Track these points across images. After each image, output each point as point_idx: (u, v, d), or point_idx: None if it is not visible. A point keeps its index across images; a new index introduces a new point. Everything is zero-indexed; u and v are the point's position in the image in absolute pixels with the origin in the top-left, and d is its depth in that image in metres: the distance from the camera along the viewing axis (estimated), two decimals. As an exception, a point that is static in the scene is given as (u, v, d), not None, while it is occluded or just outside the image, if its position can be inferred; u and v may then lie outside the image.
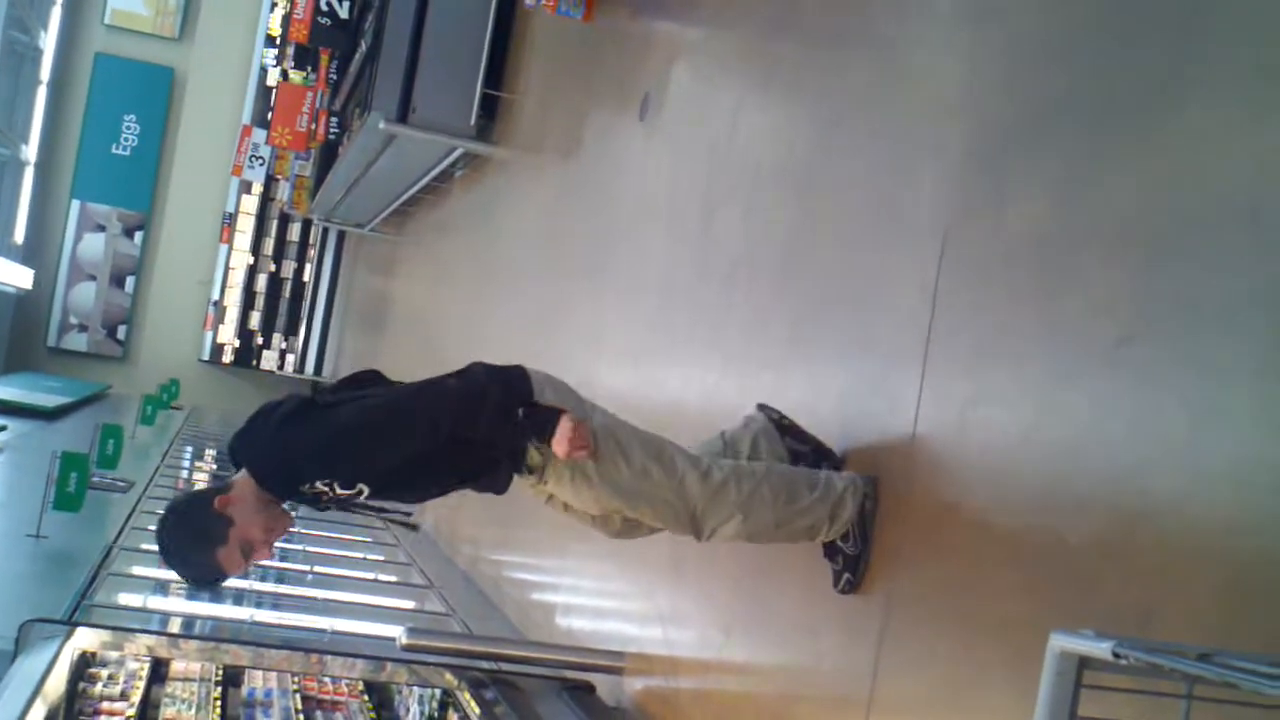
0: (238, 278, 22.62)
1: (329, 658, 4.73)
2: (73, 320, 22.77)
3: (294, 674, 5.35)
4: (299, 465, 2.55)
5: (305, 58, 17.61)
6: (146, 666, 5.33)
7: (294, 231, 22.42)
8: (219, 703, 5.54)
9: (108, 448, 8.67)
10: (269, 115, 18.52)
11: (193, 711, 5.24)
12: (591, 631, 4.90)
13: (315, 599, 6.17)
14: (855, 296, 3.23)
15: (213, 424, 16.90)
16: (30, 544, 6.11)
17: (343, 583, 6.77)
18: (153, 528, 2.85)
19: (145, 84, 22.98)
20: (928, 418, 2.77)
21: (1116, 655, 1.39)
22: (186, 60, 23.18)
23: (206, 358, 22.70)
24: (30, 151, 21.73)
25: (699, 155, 4.54)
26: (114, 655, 4.99)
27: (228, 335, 22.64)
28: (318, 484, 2.55)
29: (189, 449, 13.27)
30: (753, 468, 2.86)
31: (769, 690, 3.40)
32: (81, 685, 4.88)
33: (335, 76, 14.69)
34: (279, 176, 20.63)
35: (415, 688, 5.05)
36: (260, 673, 5.62)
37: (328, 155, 14.64)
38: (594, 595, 5.08)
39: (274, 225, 22.55)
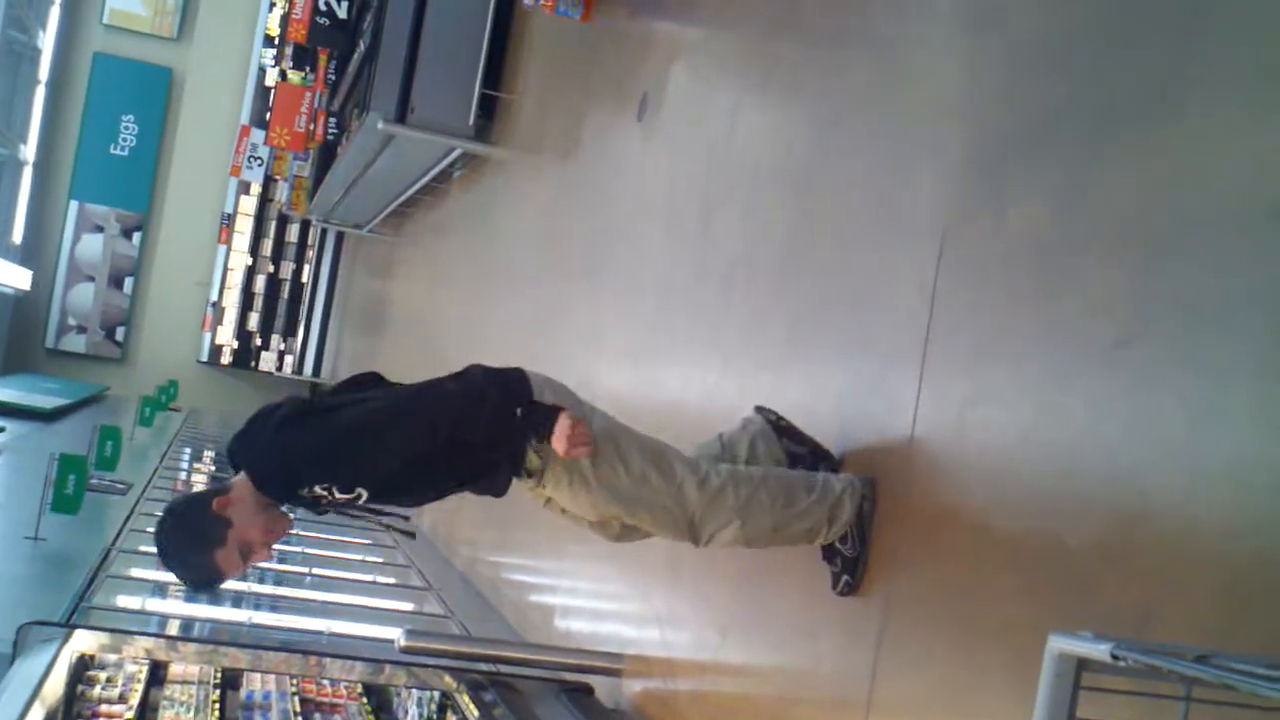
0: (236, 279, 22.63)
1: (327, 660, 4.73)
2: (71, 321, 22.77)
3: (292, 676, 5.34)
4: (297, 468, 2.55)
5: (304, 58, 17.61)
6: (145, 669, 5.33)
7: (292, 232, 22.42)
8: (217, 705, 5.54)
9: (106, 449, 8.68)
10: (267, 115, 18.52)
11: (191, 714, 5.23)
12: (590, 633, 4.90)
13: (314, 601, 6.17)
14: (854, 297, 3.22)
15: (211, 425, 16.90)
16: (28, 546, 6.11)
17: (341, 585, 6.77)
18: (151, 530, 2.85)
19: (144, 84, 22.98)
20: (926, 418, 2.77)
21: (1115, 657, 1.39)
22: (185, 60, 23.18)
23: (205, 359, 22.71)
24: (28, 152, 21.72)
25: (697, 155, 4.53)
26: (112, 658, 4.98)
27: (226, 336, 22.65)
28: (316, 488, 2.55)
29: (187, 451, 13.27)
30: (749, 472, 2.85)
31: (767, 692, 3.39)
32: (80, 688, 4.87)
33: (334, 77, 14.69)
34: (277, 177, 20.62)
35: (414, 690, 5.04)
36: (259, 675, 5.61)
37: (326, 156, 14.64)
38: (592, 597, 5.07)
39: (272, 226, 22.56)
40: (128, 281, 23.08)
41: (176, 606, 5.63)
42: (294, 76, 18.14)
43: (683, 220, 4.56)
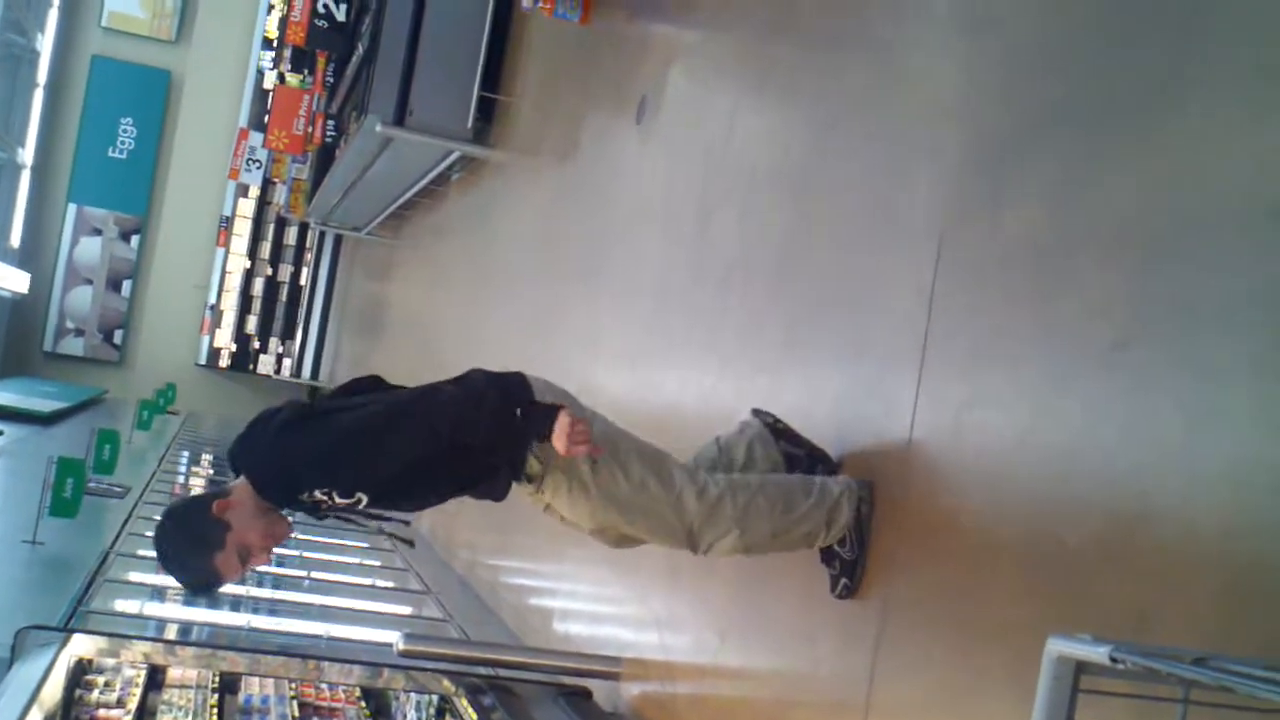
0: (234, 281, 22.65)
1: (326, 664, 4.73)
2: (69, 325, 22.78)
3: (291, 680, 5.33)
4: (297, 472, 2.54)
5: (302, 61, 17.63)
6: (143, 673, 5.32)
7: (290, 235, 22.44)
8: (216, 709, 5.52)
9: (104, 453, 8.68)
10: (266, 118, 18.53)
11: (189, 718, 5.22)
12: (588, 637, 4.90)
13: (312, 605, 6.17)
14: (851, 299, 3.22)
15: (209, 429, 16.90)
16: (26, 550, 6.10)
17: (339, 588, 6.77)
18: (149, 534, 2.85)
19: (142, 87, 23.00)
20: (924, 421, 2.77)
21: (1113, 660, 1.39)
22: (183, 63, 23.20)
23: (203, 362, 22.72)
24: (27, 155, 21.73)
25: (695, 158, 4.53)
26: (110, 662, 4.97)
27: (224, 339, 22.67)
28: (316, 492, 2.54)
29: (185, 454, 13.28)
30: (746, 480, 2.85)
31: (765, 695, 3.39)
32: (78, 692, 4.86)
33: (332, 79, 14.71)
34: (276, 180, 20.64)
35: (412, 694, 5.03)
36: (257, 679, 5.60)
37: (324, 158, 14.65)
38: (591, 600, 5.07)
39: (271, 229, 22.58)
40: (126, 284, 23.10)
41: (175, 610, 5.63)
42: (292, 79, 18.17)
43: (680, 223, 4.56)
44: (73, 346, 22.78)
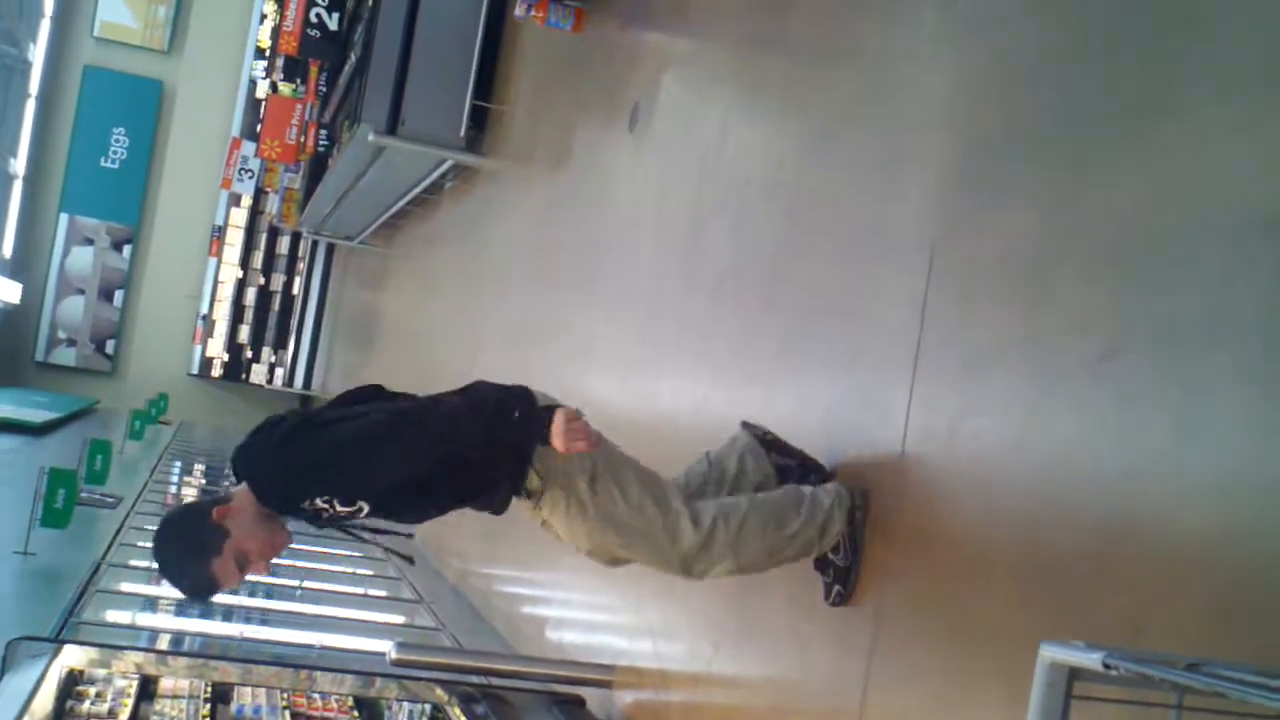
0: (227, 291, 22.62)
1: (318, 673, 4.72)
2: (61, 335, 22.74)
3: (283, 690, 5.32)
4: (299, 480, 2.54)
5: (294, 70, 17.65)
6: (135, 684, 5.30)
7: (283, 244, 22.43)
8: (208, 719, 5.51)
9: (96, 463, 8.65)
10: (258, 128, 18.53)
11: (181, 728, 5.21)
12: (582, 645, 4.89)
13: (304, 614, 6.15)
14: (844, 308, 3.22)
15: (202, 439, 16.88)
16: (18, 561, 6.09)
17: (332, 598, 6.76)
18: (142, 544, 2.84)
19: (134, 97, 23.00)
20: (917, 429, 2.77)
21: (1106, 666, 1.39)
22: (175, 73, 23.20)
23: (195, 372, 22.69)
24: (19, 165, 21.71)
25: (688, 166, 4.54)
26: (102, 673, 4.96)
27: (217, 349, 22.63)
28: (318, 501, 2.54)
29: (178, 464, 13.24)
30: (737, 502, 2.84)
31: (759, 703, 3.39)
32: (69, 703, 4.84)
33: (324, 89, 14.72)
34: (268, 189, 20.65)
35: (405, 703, 5.03)
36: (249, 689, 5.59)
37: (317, 168, 14.65)
38: (584, 609, 5.06)
39: (263, 238, 22.56)
40: (118, 294, 23.07)
41: (167, 621, 5.61)
42: (285, 89, 18.18)
43: (674, 231, 4.57)
44: (65, 356, 22.74)
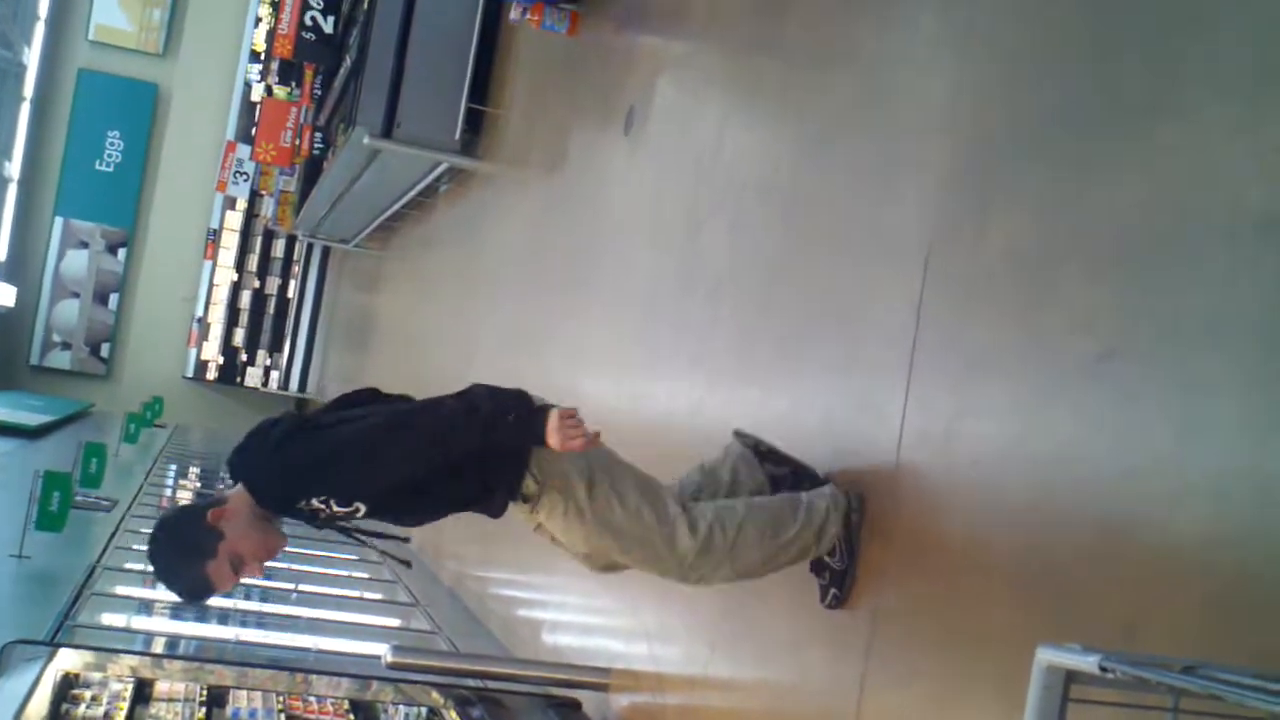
0: (222, 294, 22.60)
1: (314, 677, 4.72)
2: (56, 338, 22.70)
3: (279, 693, 5.31)
4: (296, 480, 2.54)
5: (289, 73, 17.63)
6: (130, 687, 5.29)
7: (278, 247, 22.41)
8: (203, 722, 5.50)
9: (91, 466, 8.64)
10: (253, 131, 18.53)
11: (177, 731, 5.20)
12: (578, 648, 4.89)
13: (300, 618, 6.15)
14: (840, 311, 3.23)
15: (197, 442, 16.85)
16: (13, 564, 6.07)
17: (328, 601, 6.75)
18: (137, 547, 2.84)
19: (129, 100, 22.96)
20: (913, 432, 2.77)
21: (1103, 669, 1.39)
22: (170, 76, 23.17)
23: (190, 375, 22.65)
24: (13, 168, 21.68)
25: (684, 169, 4.54)
26: (97, 676, 4.95)
27: (212, 352, 22.60)
28: (314, 501, 2.54)
29: (173, 467, 13.23)
30: (733, 506, 2.84)
31: (755, 706, 3.39)
32: (65, 707, 4.83)
33: (320, 92, 14.70)
34: (263, 192, 20.64)
35: (401, 706, 5.02)
36: (245, 692, 5.58)
37: (312, 171, 14.65)
38: (580, 612, 5.06)
39: (258, 241, 22.54)
40: (113, 297, 23.03)
41: (162, 624, 5.61)
42: (280, 92, 18.16)
43: (670, 234, 4.57)
44: (59, 360, 22.70)
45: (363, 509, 2.58)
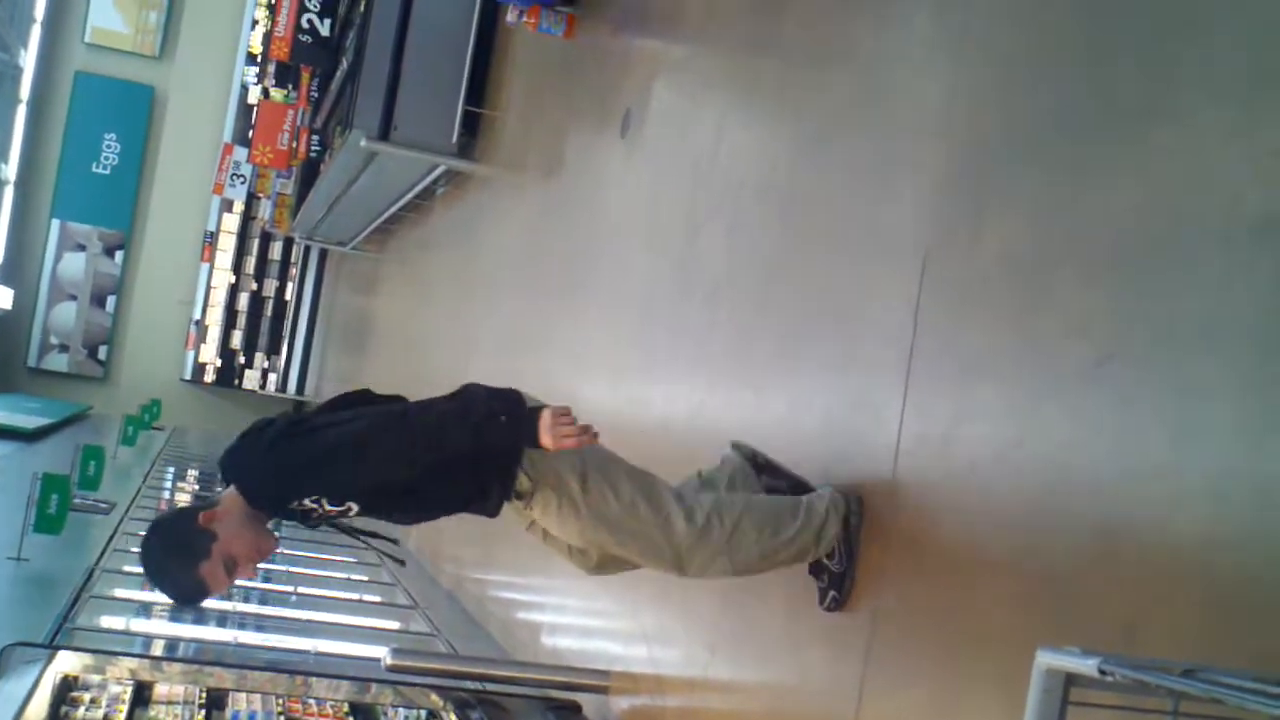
0: (219, 297, 22.56)
1: (313, 679, 4.72)
2: (53, 340, 22.67)
3: (278, 696, 5.31)
4: (288, 480, 2.55)
5: (286, 75, 17.61)
6: (129, 690, 5.29)
7: (275, 250, 22.37)
8: (202, 725, 5.50)
9: (89, 469, 8.64)
10: (250, 133, 18.50)
11: (176, 734, 5.20)
12: (577, 650, 4.89)
13: (299, 620, 6.14)
14: (838, 313, 3.23)
15: (195, 444, 16.83)
16: (11, 567, 6.07)
17: (327, 603, 6.75)
18: (136, 549, 2.84)
19: (126, 102, 22.93)
20: (911, 434, 2.78)
21: (1103, 672, 1.39)
22: (167, 78, 23.14)
23: (188, 377, 22.62)
24: (10, 170, 21.65)
25: (681, 172, 4.54)
26: (96, 679, 4.95)
27: (209, 355, 22.57)
28: (306, 501, 2.55)
29: (171, 470, 13.21)
30: (732, 499, 2.85)
31: (755, 708, 3.39)
32: (64, 709, 4.83)
33: (316, 94, 14.69)
34: (260, 195, 20.60)
35: (401, 709, 5.02)
36: (244, 695, 5.58)
37: (309, 173, 14.63)
38: (579, 614, 5.06)
39: (255, 244, 22.50)
40: (110, 300, 22.99)
41: (161, 627, 5.60)
42: (276, 94, 18.14)
43: (667, 236, 4.57)
44: (57, 362, 22.66)
45: (355, 509, 2.59)
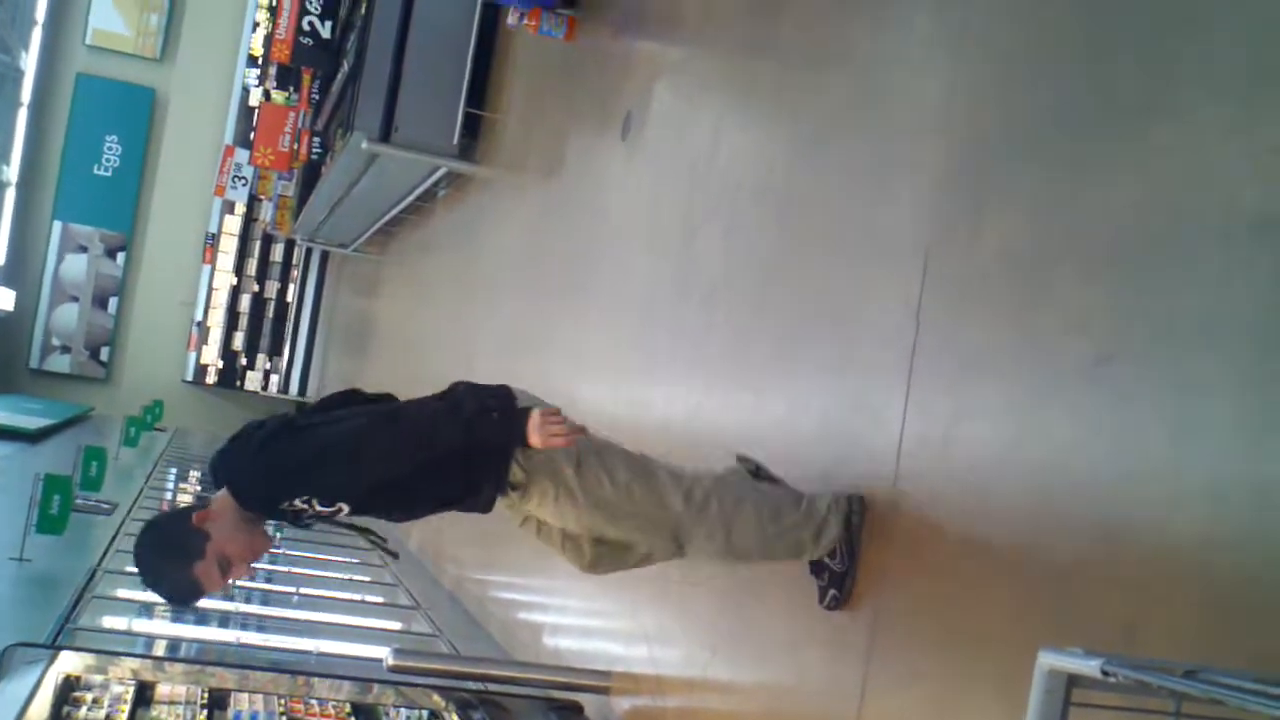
0: (221, 298, 22.57)
1: (315, 679, 4.72)
2: (55, 342, 22.68)
3: (280, 696, 5.31)
4: (278, 481, 2.56)
5: (287, 78, 17.61)
6: (131, 690, 5.30)
7: (277, 252, 22.37)
8: (204, 726, 5.50)
9: (91, 470, 8.65)
10: (251, 135, 18.51)
11: (178, 735, 5.20)
12: (578, 651, 4.89)
13: (301, 621, 6.15)
14: (838, 314, 3.23)
15: (197, 445, 16.84)
16: (13, 567, 6.07)
17: (329, 604, 6.75)
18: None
19: (127, 104, 22.94)
20: (912, 434, 2.78)
21: (1105, 673, 1.39)
22: (168, 80, 23.14)
23: (190, 379, 22.63)
24: (11, 172, 21.67)
25: (681, 173, 4.54)
26: (98, 679, 4.95)
27: (211, 356, 22.57)
28: (296, 501, 2.55)
29: (173, 470, 13.21)
30: (733, 483, 2.86)
31: (755, 708, 3.39)
32: (66, 709, 4.83)
33: (318, 96, 14.69)
34: (262, 196, 20.62)
35: (402, 709, 5.02)
36: (246, 695, 5.58)
37: (310, 175, 14.63)
38: (580, 615, 5.06)
39: (257, 246, 22.50)
40: (112, 301, 23.00)
41: (163, 627, 5.60)
42: (278, 96, 18.14)
43: (666, 238, 4.57)
44: (59, 363, 22.68)
45: (346, 509, 2.59)
